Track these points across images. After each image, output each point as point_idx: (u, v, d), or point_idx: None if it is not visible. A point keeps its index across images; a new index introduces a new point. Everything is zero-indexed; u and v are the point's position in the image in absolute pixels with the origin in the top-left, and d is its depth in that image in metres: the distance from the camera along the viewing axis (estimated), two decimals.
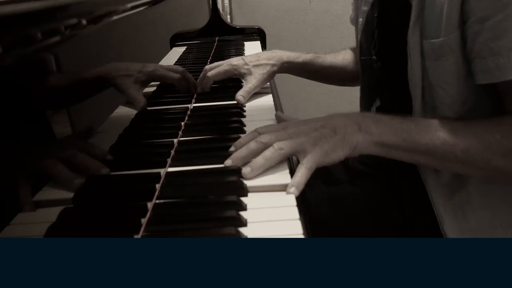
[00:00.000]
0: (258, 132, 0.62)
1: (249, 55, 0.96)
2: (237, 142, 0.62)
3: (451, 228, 0.71)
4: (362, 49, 0.87)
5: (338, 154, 0.61)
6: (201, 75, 0.93)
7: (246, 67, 0.92)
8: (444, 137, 0.62)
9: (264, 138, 0.59)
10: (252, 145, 0.59)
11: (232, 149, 0.61)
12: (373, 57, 0.81)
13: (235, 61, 0.93)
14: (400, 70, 0.70)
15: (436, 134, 0.63)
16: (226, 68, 0.92)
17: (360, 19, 0.85)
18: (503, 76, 0.58)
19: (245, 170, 0.56)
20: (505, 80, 0.58)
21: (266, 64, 0.93)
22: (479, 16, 0.58)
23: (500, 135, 0.61)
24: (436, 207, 0.71)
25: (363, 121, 0.63)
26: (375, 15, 0.80)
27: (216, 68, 0.93)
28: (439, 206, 0.71)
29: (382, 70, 0.81)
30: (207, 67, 0.95)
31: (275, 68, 0.95)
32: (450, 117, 0.66)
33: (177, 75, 0.90)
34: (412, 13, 0.66)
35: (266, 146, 0.58)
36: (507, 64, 0.58)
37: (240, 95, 0.87)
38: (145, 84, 0.87)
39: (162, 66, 0.91)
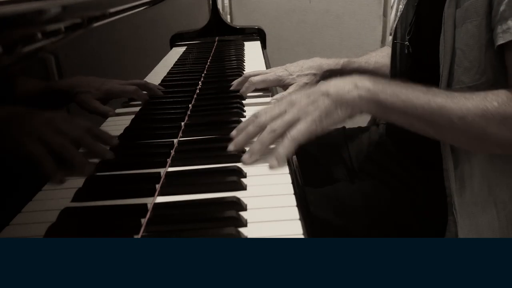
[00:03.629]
0: (255, 116, 0.64)
1: (290, 65, 1.00)
2: (238, 127, 0.65)
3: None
4: (396, 34, 0.89)
5: (335, 116, 0.63)
6: (240, 79, 0.94)
7: (291, 77, 0.97)
8: (441, 102, 0.63)
9: (259, 121, 0.63)
10: (250, 129, 0.63)
11: (233, 133, 0.64)
12: (406, 42, 0.83)
13: (279, 71, 0.97)
14: (429, 55, 0.73)
15: (433, 98, 0.63)
16: (271, 78, 0.95)
17: (401, 6, 0.88)
18: None
19: (245, 157, 0.59)
20: None
21: (309, 74, 0.98)
22: None
23: (497, 102, 0.61)
24: (448, 173, 0.73)
25: (360, 80, 0.65)
26: (415, 4, 0.82)
27: (260, 76, 0.94)
28: (450, 173, 0.72)
29: (412, 55, 0.83)
30: (246, 74, 0.95)
31: (317, 77, 0.99)
32: (465, 83, 0.68)
33: (132, 88, 0.89)
34: None
35: (261, 128, 0.62)
36: None
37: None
38: (104, 101, 0.82)
39: (118, 82, 0.90)
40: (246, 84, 0.92)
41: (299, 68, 0.98)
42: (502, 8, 0.62)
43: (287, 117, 0.61)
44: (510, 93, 0.62)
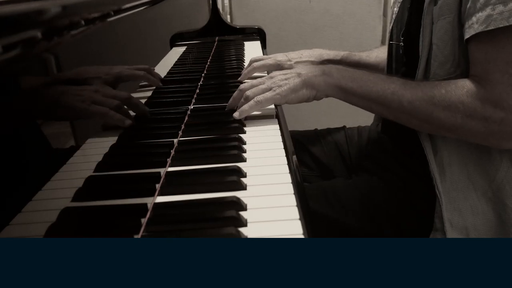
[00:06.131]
0: (240, 90, 0.77)
1: (291, 53, 1.04)
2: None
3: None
4: (392, 36, 0.92)
5: (300, 94, 0.74)
6: (247, 65, 1.01)
7: (289, 63, 1.02)
8: (394, 88, 0.72)
9: (241, 88, 0.76)
10: (235, 95, 0.77)
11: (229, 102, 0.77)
12: (400, 43, 0.86)
13: (279, 57, 1.03)
14: (418, 52, 0.76)
15: (388, 85, 0.72)
16: (271, 62, 1.01)
17: (395, 9, 0.92)
18: (478, 28, 0.65)
19: (235, 114, 0.72)
20: (481, 31, 0.65)
21: (307, 61, 1.03)
22: None
23: (445, 90, 0.68)
24: (429, 158, 0.76)
25: (328, 68, 0.76)
26: (408, 6, 0.86)
27: (262, 61, 1.01)
28: (429, 156, 0.76)
29: (405, 55, 0.85)
30: (252, 58, 1.02)
31: (315, 65, 1.00)
32: (440, 76, 0.72)
33: (141, 72, 0.93)
34: None
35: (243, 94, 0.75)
36: (486, 18, 0.64)
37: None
38: (114, 86, 0.81)
39: (126, 67, 0.92)
40: (249, 68, 0.98)
41: (298, 56, 1.03)
42: (468, 5, 0.66)
43: (262, 86, 0.74)
44: (468, 82, 0.67)
